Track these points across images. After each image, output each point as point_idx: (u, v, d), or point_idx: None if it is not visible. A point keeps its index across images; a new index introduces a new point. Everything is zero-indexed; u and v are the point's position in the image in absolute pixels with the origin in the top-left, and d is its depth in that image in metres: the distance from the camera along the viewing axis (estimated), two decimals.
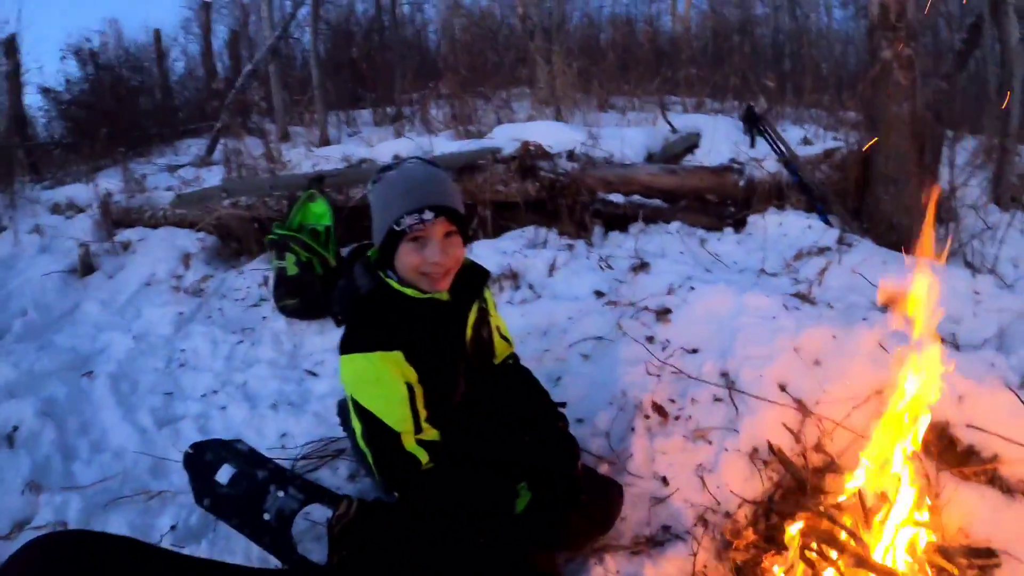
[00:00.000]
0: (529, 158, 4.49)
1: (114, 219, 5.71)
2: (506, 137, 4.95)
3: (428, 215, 1.81)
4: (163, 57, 12.46)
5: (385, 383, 1.84)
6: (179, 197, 5.54)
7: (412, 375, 1.88)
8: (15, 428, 3.30)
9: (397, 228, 1.83)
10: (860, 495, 1.94)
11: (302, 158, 6.38)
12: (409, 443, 1.86)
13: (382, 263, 1.96)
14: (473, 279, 2.11)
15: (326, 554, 2.03)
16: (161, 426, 3.30)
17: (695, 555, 2.14)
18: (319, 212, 4.23)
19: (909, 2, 3.69)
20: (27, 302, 4.78)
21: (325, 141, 7.51)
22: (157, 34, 12.41)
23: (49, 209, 6.45)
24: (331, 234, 4.12)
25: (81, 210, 6.12)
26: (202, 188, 5.82)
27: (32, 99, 11.39)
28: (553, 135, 4.89)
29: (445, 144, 5.42)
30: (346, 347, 1.89)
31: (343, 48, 11.40)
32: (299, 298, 3.99)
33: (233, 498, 2.29)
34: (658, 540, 2.24)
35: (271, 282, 4.24)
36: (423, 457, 1.87)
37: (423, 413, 1.90)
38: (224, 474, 2.35)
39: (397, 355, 1.85)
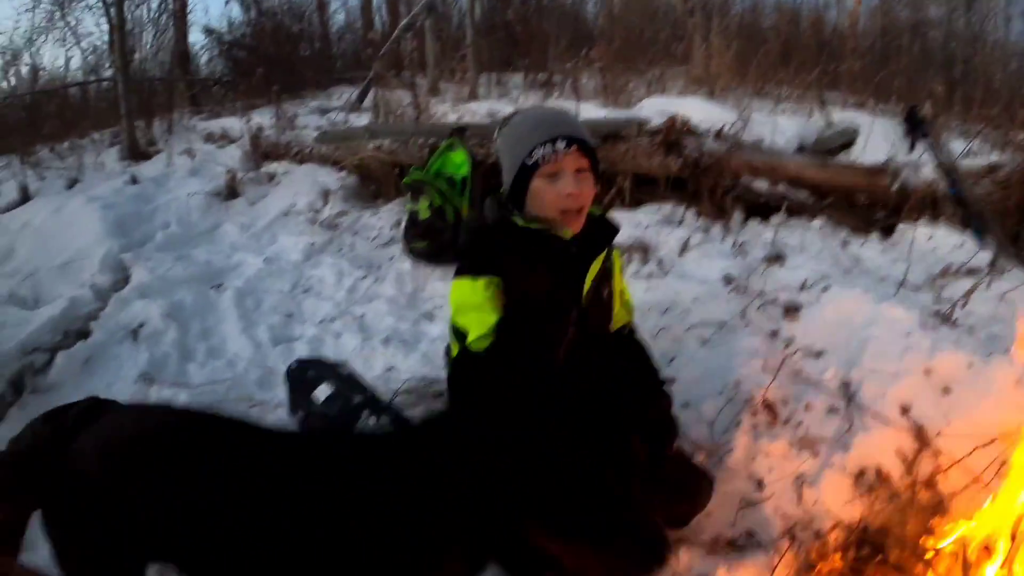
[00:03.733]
0: (675, 133, 4.35)
1: (262, 151, 6.01)
2: (654, 110, 4.82)
3: (561, 144, 1.79)
4: (324, 8, 12.83)
5: (484, 311, 1.82)
6: (324, 134, 5.71)
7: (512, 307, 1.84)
8: (141, 325, 3.61)
9: (529, 162, 1.81)
10: (964, 544, 1.79)
11: (448, 111, 6.45)
12: None
13: (512, 203, 1.94)
14: (602, 232, 2.06)
15: None
16: (276, 343, 3.51)
17: (774, 569, 2.04)
18: (458, 162, 4.26)
19: None
20: (172, 217, 5.16)
21: (474, 98, 7.56)
22: None
23: (203, 138, 6.92)
24: (467, 185, 4.14)
25: (232, 141, 6.49)
26: (347, 128, 5.98)
27: (195, 37, 12.00)
28: (702, 113, 4.73)
29: (592, 111, 5.35)
30: (457, 271, 1.89)
31: (499, 11, 11.44)
32: (428, 241, 4.05)
33: (325, 416, 2.34)
34: (739, 544, 2.15)
35: (403, 224, 4.31)
36: None
37: None
38: (322, 393, 2.42)
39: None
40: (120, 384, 3.14)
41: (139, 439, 1.58)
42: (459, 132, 4.40)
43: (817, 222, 4.11)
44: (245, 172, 5.76)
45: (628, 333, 2.30)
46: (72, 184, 6.26)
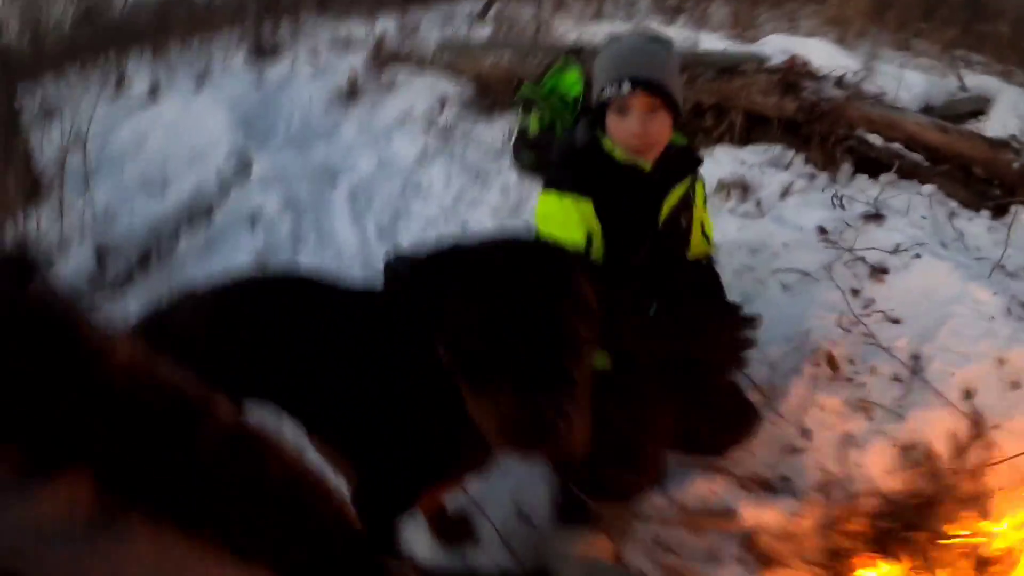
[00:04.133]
0: (794, 74, 4.25)
1: (385, 57, 6.21)
2: (776, 47, 4.69)
3: (625, 86, 1.83)
4: None
5: (568, 226, 1.88)
6: (445, 43, 5.83)
7: (597, 228, 1.92)
8: (259, 213, 3.95)
9: (600, 99, 1.88)
10: (985, 544, 1.83)
11: (570, 29, 6.45)
12: None
13: (599, 127, 2.01)
14: (683, 162, 2.11)
15: None
16: (382, 238, 3.79)
17: (797, 516, 2.10)
18: (571, 81, 4.26)
19: None
20: (294, 115, 5.52)
21: (598, 17, 7.46)
22: None
23: (327, 41, 7.10)
24: (578, 105, 4.19)
25: (356, 45, 6.60)
26: (468, 39, 6.07)
27: None
28: (827, 56, 4.58)
29: (712, 42, 5.27)
30: (544, 185, 1.98)
31: None
32: (536, 155, 4.15)
33: None
34: (772, 487, 2.22)
35: (513, 137, 4.42)
36: None
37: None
38: None
39: (588, 204, 1.90)
40: (236, 264, 3.41)
41: (226, 292, 1.81)
42: (575, 52, 4.43)
43: (928, 187, 3.92)
44: (366, 77, 5.98)
45: (706, 263, 2.36)
46: (200, 82, 6.59)
